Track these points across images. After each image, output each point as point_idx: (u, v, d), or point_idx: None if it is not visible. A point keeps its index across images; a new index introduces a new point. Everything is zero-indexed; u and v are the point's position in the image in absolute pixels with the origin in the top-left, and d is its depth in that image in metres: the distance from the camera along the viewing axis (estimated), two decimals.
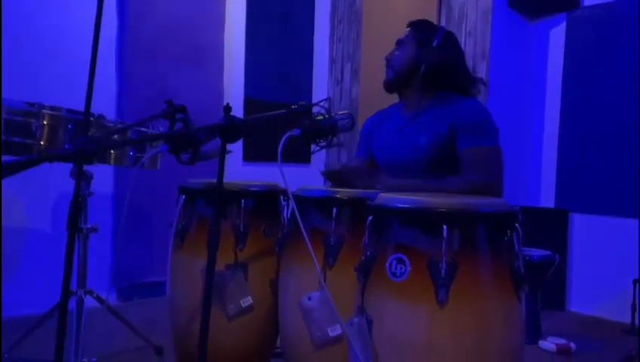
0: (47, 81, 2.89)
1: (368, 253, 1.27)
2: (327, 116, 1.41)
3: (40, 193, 2.90)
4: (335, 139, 1.43)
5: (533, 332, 2.81)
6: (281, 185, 1.82)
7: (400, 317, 1.19)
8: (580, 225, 3.54)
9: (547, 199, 3.70)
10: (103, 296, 2.28)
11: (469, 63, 3.44)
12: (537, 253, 2.87)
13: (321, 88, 4.19)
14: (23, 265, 2.90)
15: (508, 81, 3.64)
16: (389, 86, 1.95)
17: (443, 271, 1.14)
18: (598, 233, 3.43)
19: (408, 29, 1.93)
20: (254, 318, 1.82)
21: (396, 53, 1.91)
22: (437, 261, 1.16)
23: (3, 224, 2.71)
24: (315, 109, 1.43)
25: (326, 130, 1.40)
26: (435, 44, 1.84)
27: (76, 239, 2.15)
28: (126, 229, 3.16)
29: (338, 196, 1.55)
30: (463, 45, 3.48)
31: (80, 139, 1.47)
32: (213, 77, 3.54)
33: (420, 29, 1.90)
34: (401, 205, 1.24)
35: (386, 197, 1.31)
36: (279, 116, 1.42)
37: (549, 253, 2.88)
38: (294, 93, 4.06)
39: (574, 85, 3.55)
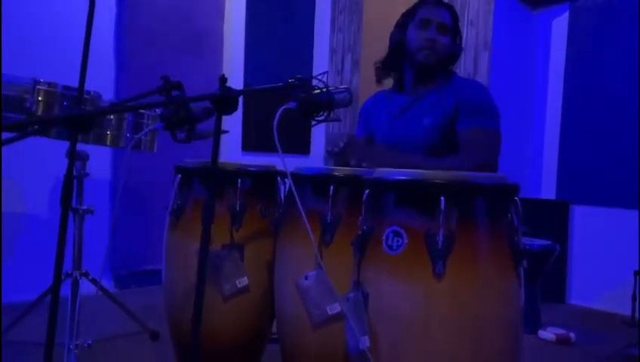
0: (45, 65, 2.87)
1: (365, 227, 1.25)
2: (324, 90, 1.38)
3: (36, 177, 2.89)
4: (332, 114, 1.40)
5: (533, 323, 2.79)
6: (279, 167, 1.81)
7: (396, 290, 1.17)
8: (581, 216, 3.51)
9: (548, 191, 3.67)
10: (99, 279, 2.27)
11: (471, 54, 3.43)
12: (538, 242, 2.85)
13: None
14: (19, 249, 2.88)
15: (510, 71, 3.62)
16: (428, 69, 1.87)
17: (440, 244, 1.12)
18: (599, 224, 3.41)
19: (447, 12, 1.86)
20: (250, 299, 1.80)
21: (441, 38, 1.84)
22: (434, 233, 1.13)
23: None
24: (312, 83, 1.40)
25: (323, 104, 1.37)
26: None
27: (72, 220, 2.15)
28: (124, 216, 3.15)
29: (335, 174, 1.53)
30: (465, 35, 3.47)
31: (75, 109, 1.45)
32: (213, 65, 3.52)
33: (457, 17, 1.90)
34: (398, 178, 1.22)
35: (382, 171, 1.29)
36: (277, 88, 1.39)
37: (549, 242, 2.86)
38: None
39: (576, 76, 3.53)
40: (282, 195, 1.89)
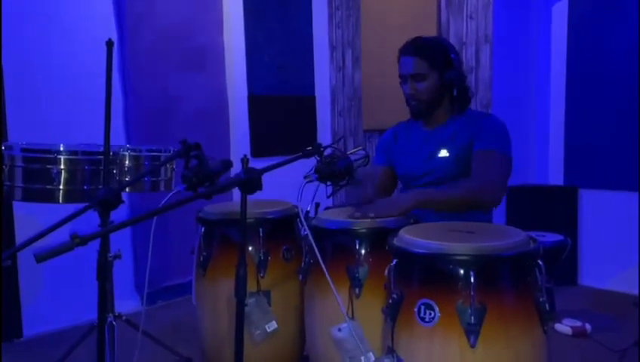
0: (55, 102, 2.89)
1: (395, 296, 1.31)
2: (342, 157, 1.42)
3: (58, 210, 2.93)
4: (353, 179, 1.45)
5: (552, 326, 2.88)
6: (294, 201, 1.86)
7: (432, 359, 1.24)
8: (590, 200, 3.56)
9: (556, 176, 3.71)
10: (127, 310, 2.35)
11: (472, 48, 3.41)
12: (550, 238, 2.90)
13: (323, 77, 4.16)
14: (45, 281, 2.95)
15: (512, 62, 3.61)
16: (421, 116, 1.95)
17: (472, 316, 1.19)
18: (608, 208, 3.46)
19: (415, 58, 1.86)
20: (280, 340, 1.88)
21: (418, 86, 1.87)
22: (465, 306, 1.20)
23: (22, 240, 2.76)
24: (328, 150, 1.44)
25: (342, 172, 1.42)
26: (456, 64, 1.86)
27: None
28: (144, 234, 3.20)
29: (355, 228, 1.58)
30: (464, 29, 3.45)
31: (102, 190, 1.50)
32: (216, 77, 3.52)
33: (433, 54, 1.86)
34: (425, 251, 1.27)
35: (408, 240, 1.33)
36: (293, 159, 1.43)
37: (561, 237, 2.91)
38: (297, 85, 4.04)
39: (579, 60, 3.52)
40: (303, 233, 1.94)
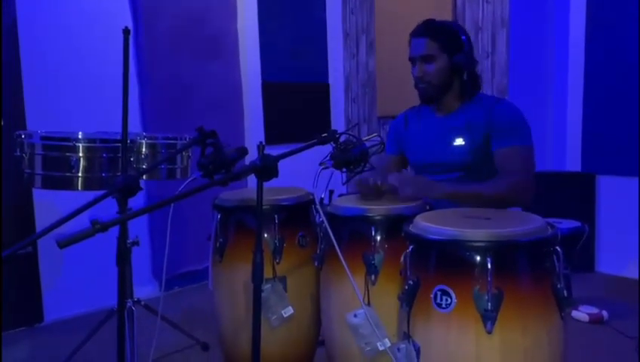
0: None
1: (411, 282, 1.31)
2: (357, 143, 1.42)
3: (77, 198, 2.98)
4: (368, 165, 1.45)
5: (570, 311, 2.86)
6: (309, 189, 1.87)
7: (448, 345, 1.24)
8: (608, 187, 3.52)
9: (573, 163, 3.67)
10: (145, 296, 2.40)
11: (489, 32, 3.37)
12: (566, 224, 2.88)
13: (337, 63, 4.14)
14: (65, 267, 3.01)
15: (529, 47, 3.55)
16: (430, 100, 1.92)
17: (489, 303, 1.19)
18: (625, 195, 3.41)
19: (425, 39, 1.84)
20: (296, 325, 1.90)
21: (427, 68, 1.85)
22: (482, 292, 1.20)
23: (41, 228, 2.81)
24: (343, 137, 1.44)
25: (357, 158, 1.42)
26: (466, 48, 1.83)
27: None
28: (161, 221, 3.23)
29: (370, 215, 1.58)
30: (480, 14, 3.40)
31: (120, 177, 1.52)
32: (230, 65, 3.52)
33: (443, 36, 1.84)
34: (441, 237, 1.27)
35: (424, 226, 1.33)
36: (308, 146, 1.43)
37: (578, 224, 2.88)
38: (311, 72, 4.03)
39: (598, 45, 3.45)
40: (318, 220, 1.95)
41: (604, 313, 2.76)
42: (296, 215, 1.94)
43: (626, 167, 3.39)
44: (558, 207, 3.40)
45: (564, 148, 3.73)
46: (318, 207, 1.43)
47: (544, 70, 3.70)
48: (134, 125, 3.10)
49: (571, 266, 2.99)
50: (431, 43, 1.83)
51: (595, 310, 2.77)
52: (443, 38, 1.83)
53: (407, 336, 1.32)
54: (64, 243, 1.04)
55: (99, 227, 1.08)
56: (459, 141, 1.85)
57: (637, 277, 3.33)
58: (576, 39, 3.56)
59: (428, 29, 1.85)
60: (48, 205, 2.85)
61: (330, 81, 4.19)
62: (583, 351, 2.38)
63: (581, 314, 2.77)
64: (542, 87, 3.70)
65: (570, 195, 3.52)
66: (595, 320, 2.73)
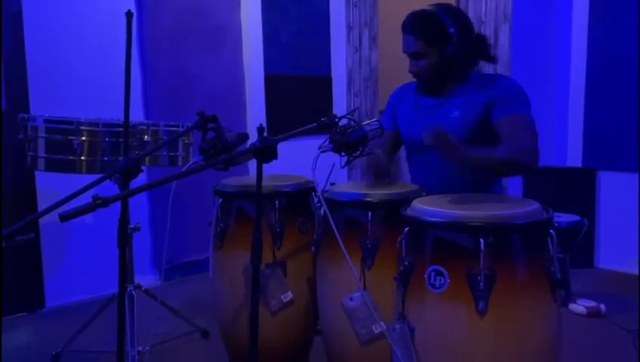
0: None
1: (406, 263, 1.33)
2: (356, 127, 1.44)
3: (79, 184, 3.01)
4: (367, 149, 1.46)
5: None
6: (310, 176, 1.88)
7: (441, 324, 1.26)
8: (608, 183, 3.53)
9: (574, 158, 3.68)
10: (145, 285, 2.42)
11: (491, 26, 3.38)
12: (566, 218, 2.89)
13: (339, 57, 4.14)
14: (66, 254, 3.03)
15: (531, 41, 3.56)
16: (432, 89, 1.93)
17: (482, 284, 1.20)
18: (626, 191, 3.42)
19: (411, 37, 1.82)
20: (295, 310, 1.92)
21: (419, 64, 1.86)
22: (475, 273, 1.21)
23: (46, 218, 2.84)
24: (343, 121, 1.45)
25: (356, 142, 1.43)
26: (455, 38, 1.80)
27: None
28: (162, 211, 3.26)
29: (370, 200, 1.60)
30: (483, 8, 3.41)
31: (122, 160, 1.54)
32: (233, 57, 3.54)
33: (428, 32, 1.81)
34: (437, 219, 1.29)
35: (420, 209, 1.35)
36: (308, 129, 1.45)
37: (577, 218, 2.90)
38: (313, 65, 4.04)
39: (600, 40, 3.46)
40: (317, 207, 1.97)
41: (602, 306, 2.76)
42: (297, 201, 1.95)
43: (626, 163, 3.39)
44: (559, 202, 3.40)
45: (565, 143, 3.74)
46: (316, 188, 1.44)
47: (546, 65, 3.71)
48: (137, 114, 3.12)
49: (570, 260, 3.02)
50: (417, 41, 1.82)
51: (592, 303, 2.78)
52: (428, 34, 1.81)
53: (401, 316, 1.34)
54: (66, 216, 1.07)
55: (100, 202, 1.10)
56: (454, 114, 1.85)
57: (636, 272, 3.33)
58: (579, 34, 3.57)
59: (413, 27, 1.83)
60: (51, 193, 2.88)
61: (333, 74, 4.20)
62: (581, 344, 2.39)
63: (579, 307, 2.78)
64: (544, 81, 3.71)
65: (571, 191, 3.53)
66: (593, 314, 2.74)
